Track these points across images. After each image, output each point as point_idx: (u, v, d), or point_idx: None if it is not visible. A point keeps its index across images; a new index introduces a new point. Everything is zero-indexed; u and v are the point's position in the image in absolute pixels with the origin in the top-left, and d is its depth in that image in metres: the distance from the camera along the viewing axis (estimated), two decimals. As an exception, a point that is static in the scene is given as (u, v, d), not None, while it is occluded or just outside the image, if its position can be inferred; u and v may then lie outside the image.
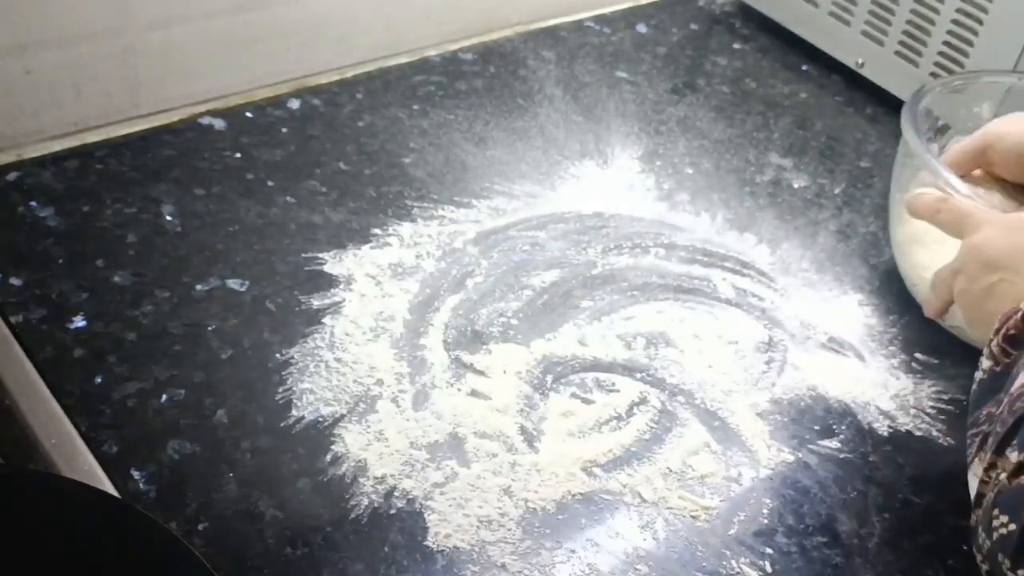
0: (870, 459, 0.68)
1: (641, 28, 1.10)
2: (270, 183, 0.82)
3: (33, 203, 0.76)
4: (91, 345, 0.66)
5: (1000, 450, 0.49)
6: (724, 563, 0.60)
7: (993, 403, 0.53)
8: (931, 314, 0.70)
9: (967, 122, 0.83)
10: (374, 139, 0.88)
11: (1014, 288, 0.59)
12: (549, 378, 0.69)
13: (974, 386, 0.56)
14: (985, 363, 0.55)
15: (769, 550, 0.61)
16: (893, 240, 0.80)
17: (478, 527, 0.60)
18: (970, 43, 0.92)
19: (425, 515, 0.60)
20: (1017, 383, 0.51)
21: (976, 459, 0.52)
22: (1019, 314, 0.53)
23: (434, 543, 0.59)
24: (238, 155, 0.84)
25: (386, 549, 0.58)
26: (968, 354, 0.73)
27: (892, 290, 0.80)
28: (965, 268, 0.63)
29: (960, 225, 0.65)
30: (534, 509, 0.61)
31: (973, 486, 0.52)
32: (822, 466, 0.67)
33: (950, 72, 0.94)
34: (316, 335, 0.69)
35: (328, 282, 0.74)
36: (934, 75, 0.94)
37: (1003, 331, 0.54)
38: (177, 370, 0.66)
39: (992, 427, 0.51)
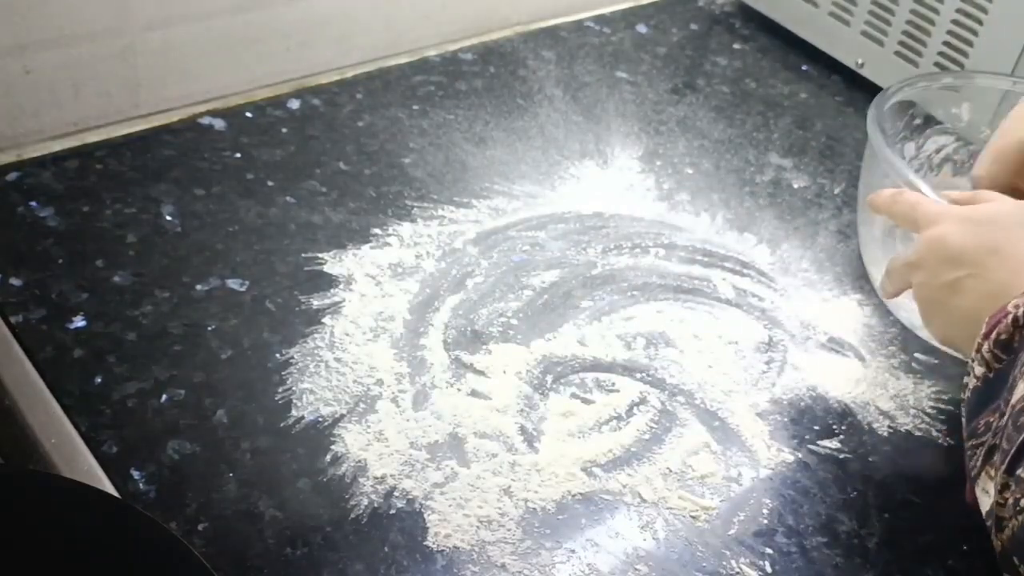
0: (870, 459, 0.68)
1: (641, 28, 1.10)
2: (270, 183, 0.82)
3: (33, 203, 0.76)
4: (91, 345, 0.66)
5: (1011, 470, 0.47)
6: (724, 563, 0.60)
7: (990, 412, 0.52)
8: (885, 297, 0.70)
9: (957, 121, 0.83)
10: (374, 139, 0.88)
11: (981, 284, 0.57)
12: (549, 378, 0.69)
13: (967, 394, 0.54)
14: (977, 370, 0.54)
15: (769, 550, 0.61)
16: (860, 239, 0.80)
17: (478, 527, 0.60)
18: (970, 43, 0.92)
19: (425, 515, 0.60)
20: (1017, 393, 0.49)
21: (984, 473, 0.51)
22: (1009, 317, 0.52)
23: (434, 543, 0.59)
24: (238, 155, 0.84)
25: (386, 549, 0.58)
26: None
27: (892, 290, 0.80)
28: (924, 262, 0.61)
29: (913, 217, 0.64)
30: (534, 509, 0.61)
31: (984, 503, 0.50)
32: (822, 466, 0.67)
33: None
34: (316, 335, 0.69)
35: (328, 282, 0.74)
36: (924, 75, 0.94)
37: (993, 336, 0.52)
38: (177, 370, 0.66)
39: (997, 439, 0.50)
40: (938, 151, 0.84)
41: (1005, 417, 0.49)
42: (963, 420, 0.55)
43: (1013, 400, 0.49)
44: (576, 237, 0.82)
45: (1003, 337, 0.52)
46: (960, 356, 0.69)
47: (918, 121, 0.82)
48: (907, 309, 0.74)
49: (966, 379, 0.55)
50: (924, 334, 0.75)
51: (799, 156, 0.94)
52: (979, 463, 0.51)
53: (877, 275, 0.76)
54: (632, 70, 1.03)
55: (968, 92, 0.83)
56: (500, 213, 0.82)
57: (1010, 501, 0.47)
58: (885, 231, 0.77)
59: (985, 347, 0.53)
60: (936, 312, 0.62)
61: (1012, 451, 0.47)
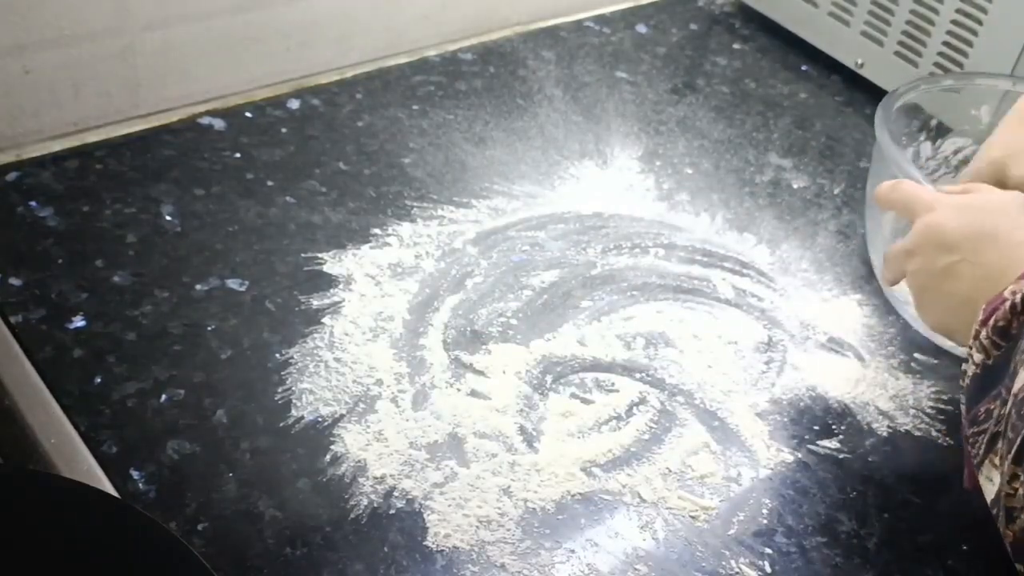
0: (870, 459, 0.68)
1: (641, 28, 1.10)
2: (270, 183, 0.82)
3: (33, 203, 0.76)
4: (91, 345, 0.66)
5: (1019, 460, 0.47)
6: (723, 563, 0.60)
7: (991, 399, 0.52)
8: (885, 286, 0.72)
9: (963, 123, 0.83)
10: (374, 139, 0.88)
11: (974, 269, 0.58)
12: (549, 378, 0.69)
13: (966, 381, 0.54)
14: (976, 356, 0.53)
15: (768, 550, 0.61)
16: (868, 240, 0.81)
17: (477, 527, 0.60)
18: (969, 43, 0.92)
19: (424, 515, 0.60)
20: (1019, 382, 0.49)
21: (987, 461, 0.51)
22: (1007, 304, 0.52)
23: (433, 543, 0.59)
24: (238, 155, 0.84)
25: (385, 549, 0.58)
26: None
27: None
28: (919, 249, 0.62)
29: (911, 206, 0.65)
30: (533, 509, 0.61)
31: (988, 491, 0.50)
32: (822, 466, 0.67)
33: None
34: (315, 335, 0.69)
35: (327, 282, 0.74)
36: (933, 76, 0.95)
37: (991, 322, 0.52)
38: (177, 370, 0.66)
39: (1000, 427, 0.50)
40: (956, 152, 0.84)
41: (1008, 405, 0.49)
42: (962, 407, 0.55)
43: (1015, 388, 0.49)
44: (576, 237, 0.82)
45: (1001, 323, 0.52)
46: (952, 345, 0.70)
47: (935, 121, 0.82)
48: (910, 307, 0.75)
49: (964, 366, 0.55)
50: (925, 329, 0.75)
51: (799, 156, 0.94)
52: (982, 451, 0.51)
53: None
54: (632, 70, 1.03)
55: (969, 93, 0.83)
56: (500, 213, 0.82)
57: (1020, 492, 0.47)
58: (894, 232, 0.76)
59: (983, 334, 0.53)
60: (930, 298, 0.62)
61: (1019, 441, 0.47)
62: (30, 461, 0.59)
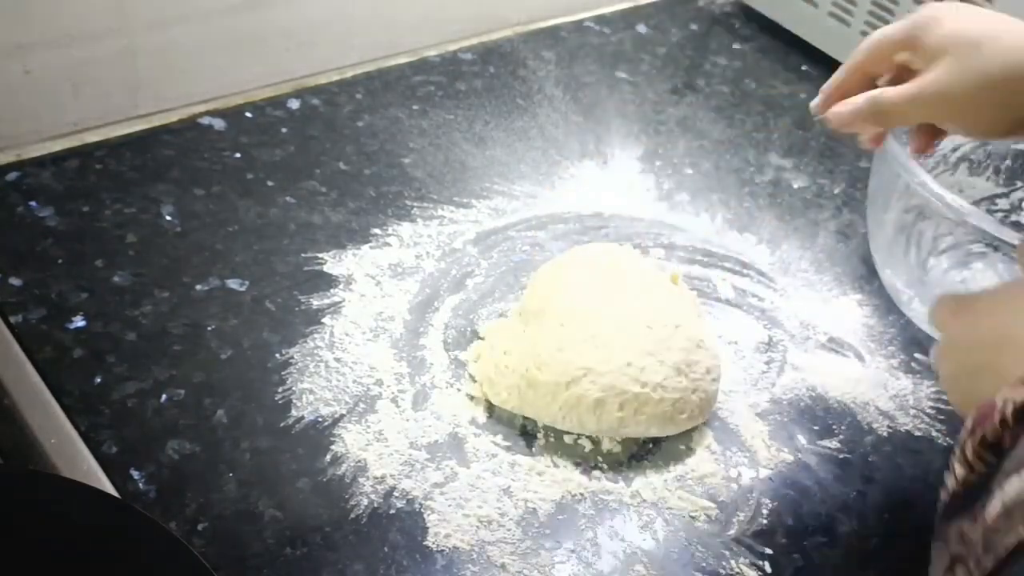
0: (870, 459, 0.68)
1: (641, 28, 1.10)
2: (270, 183, 0.82)
3: (33, 203, 0.76)
4: (90, 345, 0.66)
5: None
6: (724, 563, 0.60)
7: (967, 518, 0.44)
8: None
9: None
10: (374, 139, 0.88)
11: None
12: (549, 378, 0.69)
13: (944, 496, 0.47)
14: (959, 471, 0.46)
15: (769, 550, 0.61)
16: (871, 240, 0.80)
17: (477, 527, 0.60)
18: (970, 43, 0.92)
19: (425, 515, 0.60)
20: (993, 508, 0.42)
21: None
22: (996, 416, 0.44)
23: (434, 543, 0.59)
24: (238, 155, 0.84)
25: (386, 549, 0.58)
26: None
27: (892, 290, 0.80)
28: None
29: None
30: (533, 509, 0.61)
31: None
32: (822, 466, 0.67)
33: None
34: (316, 335, 0.69)
35: (328, 282, 0.74)
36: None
37: (978, 434, 0.45)
38: (177, 370, 0.66)
39: (967, 551, 0.43)
40: (954, 150, 0.84)
41: (978, 532, 0.43)
42: (935, 520, 0.48)
43: (988, 513, 0.42)
44: (576, 237, 0.81)
45: (990, 438, 0.44)
46: None
47: None
48: (916, 308, 0.75)
49: (946, 477, 0.48)
50: (933, 331, 0.74)
51: (799, 156, 0.94)
52: (941, 571, 0.45)
53: (892, 277, 0.77)
54: (632, 70, 1.03)
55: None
56: (500, 213, 0.82)
57: None
58: (897, 229, 0.76)
59: (969, 446, 0.46)
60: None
61: None
62: (30, 461, 0.59)
